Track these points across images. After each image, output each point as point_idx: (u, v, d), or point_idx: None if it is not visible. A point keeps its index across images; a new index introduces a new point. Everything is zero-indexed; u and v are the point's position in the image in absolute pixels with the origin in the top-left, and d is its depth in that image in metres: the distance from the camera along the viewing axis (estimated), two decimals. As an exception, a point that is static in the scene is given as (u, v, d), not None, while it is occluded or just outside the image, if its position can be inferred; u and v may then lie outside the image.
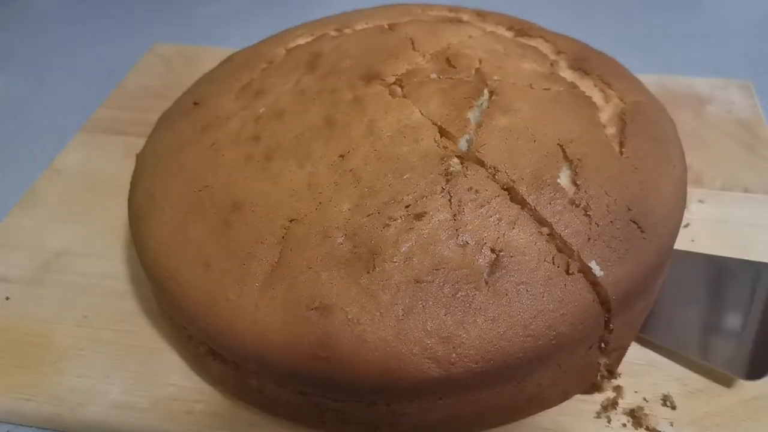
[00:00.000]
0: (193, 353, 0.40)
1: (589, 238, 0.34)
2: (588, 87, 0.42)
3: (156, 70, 0.69)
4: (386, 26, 0.47)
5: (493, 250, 0.33)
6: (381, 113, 0.38)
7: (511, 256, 0.33)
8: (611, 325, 0.34)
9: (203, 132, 0.41)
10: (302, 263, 0.33)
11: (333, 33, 0.48)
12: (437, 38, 0.45)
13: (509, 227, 0.33)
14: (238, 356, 0.35)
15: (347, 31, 0.48)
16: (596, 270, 0.33)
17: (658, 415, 0.37)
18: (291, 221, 0.35)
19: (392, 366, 0.31)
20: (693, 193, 0.51)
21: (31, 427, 0.40)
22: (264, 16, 0.84)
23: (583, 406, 0.38)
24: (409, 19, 0.49)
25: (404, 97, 0.40)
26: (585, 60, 0.44)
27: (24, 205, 0.53)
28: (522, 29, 0.48)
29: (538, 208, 0.34)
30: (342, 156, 0.37)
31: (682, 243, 0.45)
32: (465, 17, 0.50)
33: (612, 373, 0.39)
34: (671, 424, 0.37)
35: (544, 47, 0.46)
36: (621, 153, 0.37)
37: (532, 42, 0.47)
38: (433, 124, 0.38)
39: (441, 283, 0.32)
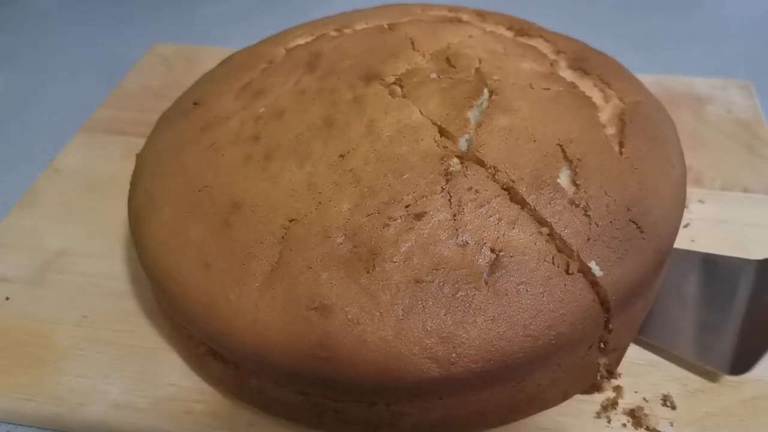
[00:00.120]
0: (193, 353, 0.40)
1: (588, 238, 0.34)
2: (588, 87, 0.42)
3: (156, 70, 0.69)
4: (386, 26, 0.47)
5: (492, 250, 0.33)
6: (381, 113, 0.38)
7: (511, 256, 0.33)
8: (610, 325, 0.35)
9: (203, 132, 0.41)
10: (302, 263, 0.33)
11: (333, 33, 0.48)
12: (437, 38, 0.45)
13: (509, 227, 0.33)
14: (238, 356, 0.35)
15: (347, 31, 0.48)
16: (596, 270, 0.33)
17: (658, 415, 0.37)
18: (291, 221, 0.35)
19: (392, 366, 0.31)
20: (693, 193, 0.51)
21: (31, 427, 0.40)
22: (264, 16, 0.84)
23: (583, 406, 0.38)
24: (409, 19, 0.49)
25: (404, 97, 0.40)
26: (585, 60, 0.44)
27: (24, 205, 0.53)
28: (522, 29, 0.48)
29: (537, 208, 0.34)
30: (342, 156, 0.37)
31: (682, 243, 0.45)
32: (465, 17, 0.50)
33: (612, 373, 0.39)
34: (671, 424, 0.37)
35: (544, 47, 0.46)
36: (620, 153, 0.37)
37: (532, 42, 0.47)
38: (433, 123, 0.38)
39: (441, 283, 0.32)
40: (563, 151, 0.36)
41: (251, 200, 0.36)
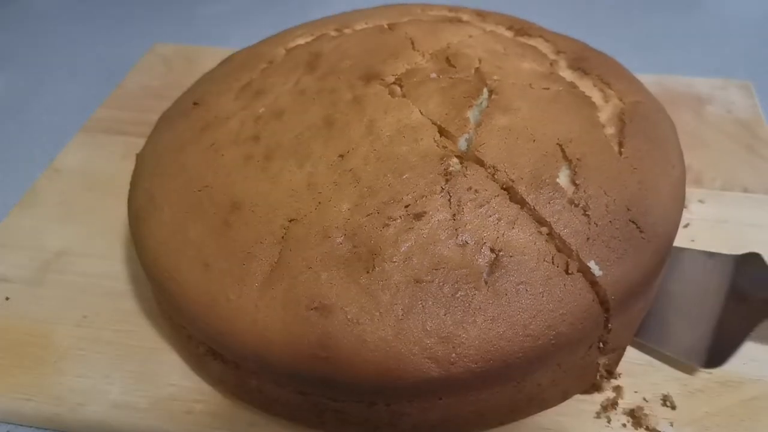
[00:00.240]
0: (193, 353, 0.40)
1: (588, 238, 0.34)
2: (587, 87, 0.42)
3: (156, 70, 0.69)
4: (386, 26, 0.47)
5: (492, 250, 0.33)
6: (380, 113, 0.38)
7: (511, 256, 0.33)
8: (610, 325, 0.35)
9: (203, 132, 0.41)
10: (302, 263, 0.33)
11: (333, 33, 0.48)
12: (437, 38, 0.45)
13: (509, 227, 0.33)
14: (238, 356, 0.35)
15: (347, 31, 0.48)
16: (595, 270, 0.33)
17: (658, 415, 0.37)
18: (290, 221, 0.35)
19: (392, 366, 0.31)
20: (693, 193, 0.51)
21: (31, 427, 0.40)
22: (264, 16, 0.84)
23: (582, 406, 0.38)
24: (409, 18, 0.49)
25: (404, 96, 0.40)
26: (584, 60, 0.44)
27: (24, 205, 0.53)
28: (522, 29, 0.48)
29: (537, 208, 0.34)
30: (341, 156, 0.37)
31: (682, 243, 0.45)
32: (465, 17, 0.50)
33: (611, 373, 0.39)
34: (671, 424, 0.37)
35: (544, 47, 0.46)
36: (620, 153, 0.37)
37: (532, 42, 0.47)
38: (433, 123, 0.38)
39: (440, 283, 0.32)
40: (563, 150, 0.36)
41: (251, 200, 0.36)
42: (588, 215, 0.34)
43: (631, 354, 0.40)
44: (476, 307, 0.31)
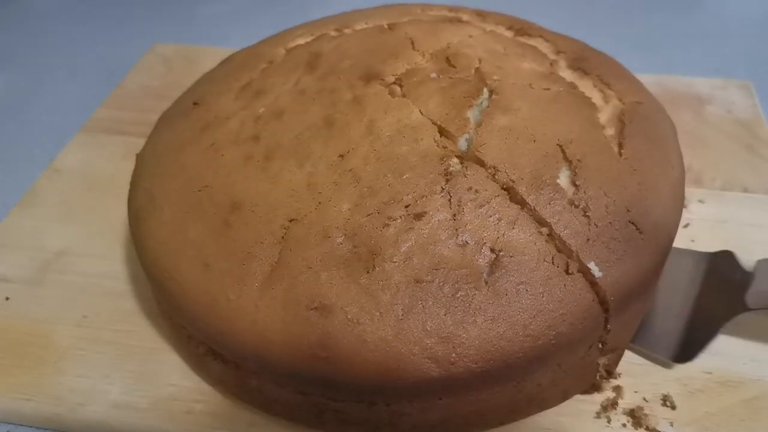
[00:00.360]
0: (193, 353, 0.40)
1: (588, 239, 0.34)
2: (587, 87, 0.42)
3: (156, 70, 0.69)
4: (386, 26, 0.47)
5: (492, 250, 0.33)
6: (380, 113, 0.38)
7: (511, 256, 0.33)
8: (609, 326, 0.35)
9: (203, 132, 0.41)
10: (302, 263, 0.33)
11: (333, 33, 0.48)
12: (437, 38, 0.45)
13: (509, 227, 0.33)
14: (238, 356, 0.35)
15: (347, 31, 0.48)
16: (595, 271, 0.33)
17: (658, 415, 0.37)
18: (290, 221, 0.35)
19: (392, 366, 0.31)
20: (693, 193, 0.51)
21: (31, 427, 0.40)
22: (264, 16, 0.84)
23: (582, 406, 0.38)
24: (409, 18, 0.49)
25: (404, 96, 0.40)
26: (584, 60, 0.44)
27: (24, 205, 0.53)
28: (522, 29, 0.48)
29: (537, 208, 0.34)
30: (341, 156, 0.37)
31: (682, 243, 0.45)
32: (465, 17, 0.50)
33: (611, 374, 0.39)
34: (671, 424, 0.37)
35: (544, 47, 0.46)
36: (620, 154, 0.37)
37: (532, 42, 0.47)
38: (433, 123, 0.38)
39: (441, 283, 0.32)
40: (563, 151, 0.36)
41: (251, 200, 0.36)
42: (588, 216, 0.34)
43: (631, 354, 0.40)
44: (476, 307, 0.31)
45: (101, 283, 0.46)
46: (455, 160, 0.36)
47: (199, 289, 0.35)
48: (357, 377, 0.31)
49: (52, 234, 0.50)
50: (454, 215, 0.34)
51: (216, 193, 0.37)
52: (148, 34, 0.79)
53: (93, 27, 0.82)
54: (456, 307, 0.31)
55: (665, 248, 0.37)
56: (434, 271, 0.32)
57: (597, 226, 0.34)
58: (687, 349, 0.39)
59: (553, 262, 0.33)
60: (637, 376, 0.39)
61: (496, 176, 0.35)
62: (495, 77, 0.40)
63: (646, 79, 0.49)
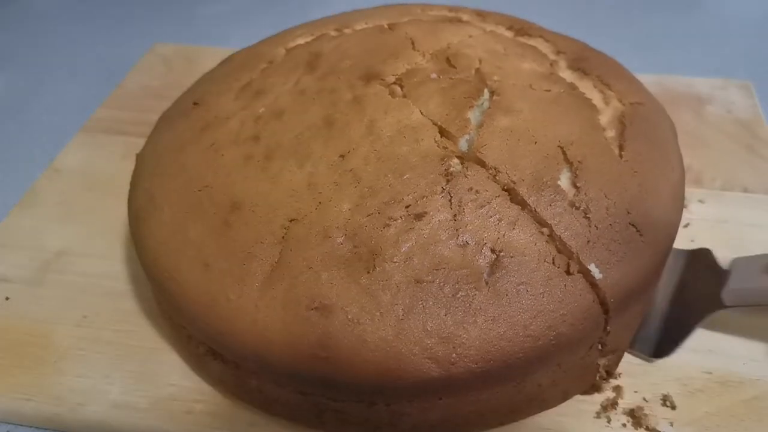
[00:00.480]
0: (193, 353, 0.40)
1: (588, 241, 0.34)
2: (587, 88, 0.42)
3: (156, 70, 0.69)
4: (386, 26, 0.47)
5: (493, 251, 0.33)
6: (381, 113, 0.38)
7: (512, 257, 0.33)
8: (608, 327, 0.35)
9: (203, 132, 0.41)
10: (302, 263, 0.33)
11: (333, 33, 0.48)
12: (437, 38, 0.45)
13: (509, 228, 0.33)
14: (238, 356, 0.35)
15: (347, 31, 0.48)
16: (595, 273, 0.33)
17: (657, 415, 0.37)
18: (291, 221, 0.35)
19: (392, 366, 0.31)
20: (693, 193, 0.51)
21: (31, 427, 0.40)
22: (264, 16, 0.84)
23: (583, 406, 0.38)
24: (409, 18, 0.49)
25: (404, 96, 0.40)
26: (584, 60, 0.44)
27: (24, 205, 0.53)
28: (522, 29, 0.48)
29: (538, 210, 0.34)
30: (342, 156, 0.37)
31: (682, 243, 0.45)
32: (465, 17, 0.50)
33: (611, 374, 0.39)
34: (671, 424, 0.37)
35: (544, 47, 0.46)
36: (620, 156, 0.37)
37: (532, 42, 0.47)
38: (433, 124, 0.38)
39: (441, 283, 0.32)
40: (564, 153, 0.36)
41: (251, 200, 0.36)
42: (589, 218, 0.34)
43: (631, 354, 0.40)
44: (477, 307, 0.31)
45: (101, 283, 0.46)
46: (456, 160, 0.36)
47: (199, 289, 0.35)
48: (357, 377, 0.31)
49: (52, 234, 0.50)
50: (455, 215, 0.34)
51: (216, 193, 0.37)
52: (148, 34, 0.79)
53: (93, 27, 0.82)
54: (456, 308, 0.31)
55: (665, 250, 0.37)
56: (435, 271, 0.32)
57: (597, 228, 0.34)
58: (664, 345, 0.40)
59: (553, 263, 0.33)
60: (637, 376, 0.39)
61: (497, 177, 0.35)
62: (495, 78, 0.40)
63: (646, 79, 0.49)
